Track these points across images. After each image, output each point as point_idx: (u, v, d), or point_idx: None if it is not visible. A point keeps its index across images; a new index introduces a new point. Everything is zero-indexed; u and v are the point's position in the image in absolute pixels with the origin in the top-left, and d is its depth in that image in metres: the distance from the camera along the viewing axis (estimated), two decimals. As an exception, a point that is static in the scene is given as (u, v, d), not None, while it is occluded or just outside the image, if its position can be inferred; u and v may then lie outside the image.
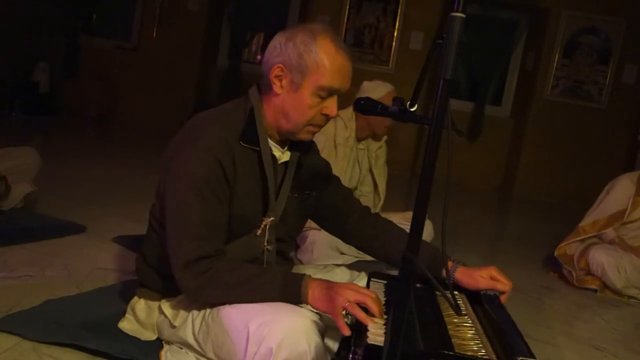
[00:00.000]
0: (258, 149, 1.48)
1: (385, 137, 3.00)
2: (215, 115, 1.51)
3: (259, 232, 1.52)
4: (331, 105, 1.47)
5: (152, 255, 1.62)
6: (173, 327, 1.57)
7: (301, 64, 1.42)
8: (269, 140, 1.52)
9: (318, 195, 1.69)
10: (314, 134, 1.53)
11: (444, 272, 1.56)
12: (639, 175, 3.29)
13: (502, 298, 1.57)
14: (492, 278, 1.57)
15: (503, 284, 1.57)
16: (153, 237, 1.61)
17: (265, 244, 1.54)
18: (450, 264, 1.61)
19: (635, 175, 3.30)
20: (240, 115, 1.50)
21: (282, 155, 1.57)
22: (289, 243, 1.68)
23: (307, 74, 1.42)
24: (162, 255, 1.50)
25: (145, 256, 1.65)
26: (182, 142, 1.47)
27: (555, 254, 3.35)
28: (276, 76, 1.46)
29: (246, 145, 1.46)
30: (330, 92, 1.45)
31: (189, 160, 1.41)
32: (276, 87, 1.46)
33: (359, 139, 2.90)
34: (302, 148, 1.61)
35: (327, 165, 1.79)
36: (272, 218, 1.53)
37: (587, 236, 3.28)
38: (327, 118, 1.50)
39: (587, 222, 3.31)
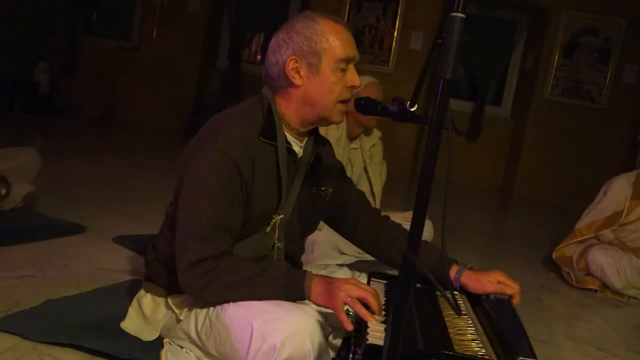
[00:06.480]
0: (277, 144, 1.49)
1: (379, 135, 2.97)
2: (233, 114, 1.52)
3: (268, 229, 1.52)
4: (353, 75, 1.51)
5: (163, 250, 1.62)
6: (179, 321, 1.57)
7: (312, 45, 1.45)
8: (289, 136, 1.53)
9: (334, 194, 1.69)
10: (344, 113, 1.55)
11: (450, 274, 1.57)
12: (637, 176, 3.24)
13: (514, 301, 1.56)
14: (498, 282, 1.57)
15: (510, 287, 1.57)
16: (166, 234, 1.61)
17: (276, 240, 1.54)
18: (456, 267, 1.61)
19: (633, 176, 3.25)
20: (258, 112, 1.51)
21: (301, 150, 1.58)
22: (299, 245, 1.68)
23: (322, 52, 1.46)
24: (172, 252, 1.50)
25: (157, 250, 1.65)
26: (201, 142, 1.48)
27: (554, 256, 3.33)
28: (293, 69, 1.47)
29: (266, 141, 1.47)
30: (348, 61, 1.49)
31: (205, 161, 1.42)
32: (296, 80, 1.48)
33: (351, 138, 2.88)
34: (319, 142, 1.63)
35: (341, 164, 1.81)
36: (282, 215, 1.53)
37: (583, 238, 3.25)
38: (353, 89, 1.53)
39: (583, 224, 3.27)
